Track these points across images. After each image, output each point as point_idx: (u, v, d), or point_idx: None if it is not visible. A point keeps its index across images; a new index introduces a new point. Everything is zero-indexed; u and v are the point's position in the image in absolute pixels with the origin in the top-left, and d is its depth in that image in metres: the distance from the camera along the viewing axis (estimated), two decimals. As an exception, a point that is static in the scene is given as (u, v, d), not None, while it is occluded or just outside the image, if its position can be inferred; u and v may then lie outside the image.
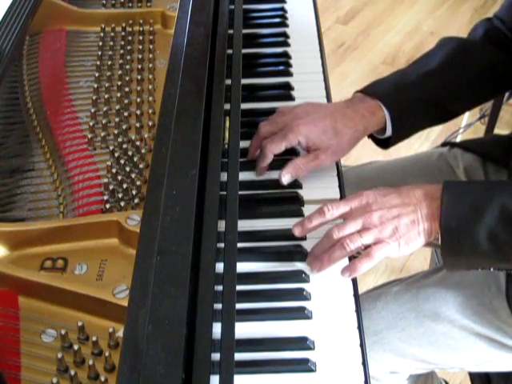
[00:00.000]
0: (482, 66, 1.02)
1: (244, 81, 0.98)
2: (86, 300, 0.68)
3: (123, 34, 1.06)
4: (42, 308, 0.70)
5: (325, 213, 0.79)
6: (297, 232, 0.81)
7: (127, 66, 0.99)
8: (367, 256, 0.77)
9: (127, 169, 0.83)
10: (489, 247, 0.76)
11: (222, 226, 0.75)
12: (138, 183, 0.80)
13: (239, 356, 0.69)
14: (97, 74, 0.98)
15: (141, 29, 1.08)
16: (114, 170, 0.83)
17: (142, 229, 0.69)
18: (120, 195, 0.79)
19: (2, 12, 0.88)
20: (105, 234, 0.76)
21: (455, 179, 1.10)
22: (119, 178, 0.81)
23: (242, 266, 0.79)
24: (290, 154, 0.93)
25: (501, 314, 0.92)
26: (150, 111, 0.91)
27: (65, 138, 0.89)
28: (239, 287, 0.71)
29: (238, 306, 0.69)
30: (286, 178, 0.89)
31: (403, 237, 0.78)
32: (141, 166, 0.84)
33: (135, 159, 0.84)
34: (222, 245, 0.73)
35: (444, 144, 1.22)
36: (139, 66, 0.99)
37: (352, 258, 0.80)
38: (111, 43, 1.04)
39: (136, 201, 0.79)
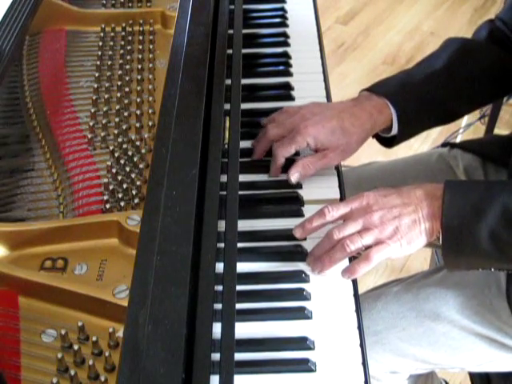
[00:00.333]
0: (486, 66, 1.02)
1: (244, 81, 0.98)
2: (86, 300, 0.68)
3: (123, 34, 1.06)
4: (41, 308, 0.70)
5: (325, 214, 0.79)
6: (298, 234, 0.81)
7: (127, 66, 0.99)
8: (365, 258, 0.77)
9: (127, 169, 0.83)
10: (490, 247, 0.76)
11: (222, 225, 0.75)
12: (138, 183, 0.80)
13: (239, 356, 0.69)
14: (97, 74, 0.98)
15: (141, 29, 1.08)
16: (113, 170, 0.83)
17: (141, 229, 0.69)
18: (120, 195, 0.79)
19: (1, 12, 0.88)
20: (105, 234, 0.76)
21: (455, 179, 1.10)
22: (119, 178, 0.81)
23: (242, 266, 0.79)
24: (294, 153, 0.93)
25: (501, 315, 0.92)
26: (150, 111, 0.91)
27: (65, 137, 0.89)
28: (239, 287, 0.71)
29: (238, 306, 0.69)
30: (294, 176, 0.89)
31: (405, 237, 0.78)
32: (141, 166, 0.84)
33: (135, 159, 0.84)
34: (222, 245, 0.73)
35: (444, 144, 1.22)
36: (139, 66, 0.99)
37: (353, 258, 0.80)
38: (111, 43, 1.04)
39: (136, 201, 0.79)
